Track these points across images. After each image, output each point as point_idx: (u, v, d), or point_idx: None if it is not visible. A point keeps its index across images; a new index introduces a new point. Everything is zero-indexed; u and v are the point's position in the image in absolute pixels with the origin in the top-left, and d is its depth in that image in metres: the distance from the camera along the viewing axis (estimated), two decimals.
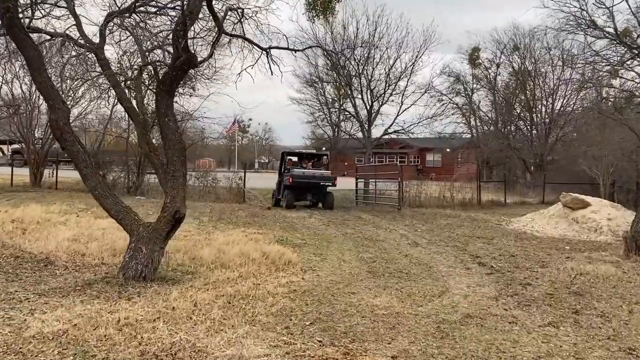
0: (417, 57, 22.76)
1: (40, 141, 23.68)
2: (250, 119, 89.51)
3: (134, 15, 15.83)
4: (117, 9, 14.11)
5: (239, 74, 8.69)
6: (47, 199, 16.79)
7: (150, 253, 6.76)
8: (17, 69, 21.66)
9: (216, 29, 8.20)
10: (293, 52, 8.38)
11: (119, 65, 18.99)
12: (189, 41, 16.09)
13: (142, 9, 14.13)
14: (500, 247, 11.08)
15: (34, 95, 21.70)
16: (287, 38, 8.42)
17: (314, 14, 8.12)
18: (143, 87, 19.02)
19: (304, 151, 23.36)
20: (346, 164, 54.34)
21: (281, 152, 22.37)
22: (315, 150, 23.75)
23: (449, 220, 15.80)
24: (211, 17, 8.49)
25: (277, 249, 8.82)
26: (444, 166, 51.01)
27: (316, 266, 8.46)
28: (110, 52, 14.98)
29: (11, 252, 7.90)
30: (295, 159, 20.65)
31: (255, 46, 8.44)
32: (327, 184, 18.67)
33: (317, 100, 48.13)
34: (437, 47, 27.22)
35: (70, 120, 22.23)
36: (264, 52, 8.36)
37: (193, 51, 11.34)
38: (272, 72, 8.65)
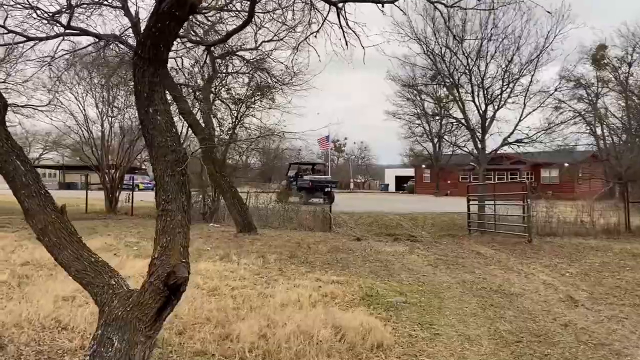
0: (544, 45, 18.15)
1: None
2: (345, 138, 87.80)
3: (197, 16, 13.45)
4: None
5: (297, 46, 5.71)
6: (108, 229, 14.83)
7: (127, 349, 3.75)
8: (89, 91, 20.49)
9: None
10: (379, 4, 5.15)
11: (189, 75, 16.88)
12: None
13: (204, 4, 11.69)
14: None
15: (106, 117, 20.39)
16: None
17: None
18: (212, 97, 16.78)
19: (304, 161, 34.66)
20: (449, 182, 49.51)
21: (289, 163, 32.77)
22: (314, 161, 37.61)
23: (601, 257, 11.55)
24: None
25: (359, 321, 5.49)
26: (561, 183, 44.79)
27: (424, 351, 5.09)
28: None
29: None
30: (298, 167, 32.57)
31: None
32: (332, 186, 30.48)
33: (415, 111, 44.15)
34: (570, 33, 21.92)
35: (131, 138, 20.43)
36: (332, 7, 5.22)
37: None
38: (346, 41, 5.62)
